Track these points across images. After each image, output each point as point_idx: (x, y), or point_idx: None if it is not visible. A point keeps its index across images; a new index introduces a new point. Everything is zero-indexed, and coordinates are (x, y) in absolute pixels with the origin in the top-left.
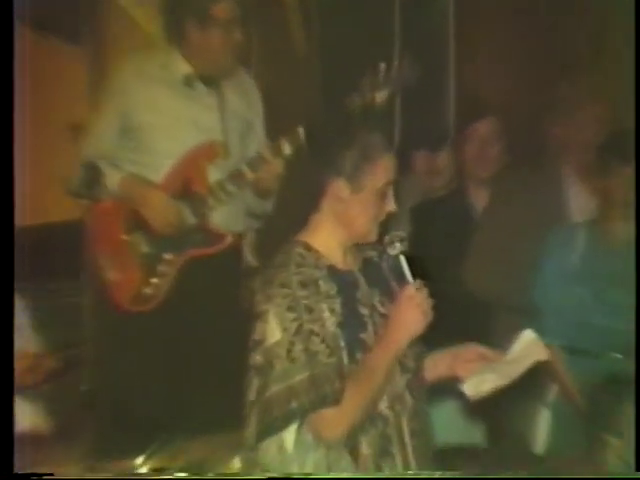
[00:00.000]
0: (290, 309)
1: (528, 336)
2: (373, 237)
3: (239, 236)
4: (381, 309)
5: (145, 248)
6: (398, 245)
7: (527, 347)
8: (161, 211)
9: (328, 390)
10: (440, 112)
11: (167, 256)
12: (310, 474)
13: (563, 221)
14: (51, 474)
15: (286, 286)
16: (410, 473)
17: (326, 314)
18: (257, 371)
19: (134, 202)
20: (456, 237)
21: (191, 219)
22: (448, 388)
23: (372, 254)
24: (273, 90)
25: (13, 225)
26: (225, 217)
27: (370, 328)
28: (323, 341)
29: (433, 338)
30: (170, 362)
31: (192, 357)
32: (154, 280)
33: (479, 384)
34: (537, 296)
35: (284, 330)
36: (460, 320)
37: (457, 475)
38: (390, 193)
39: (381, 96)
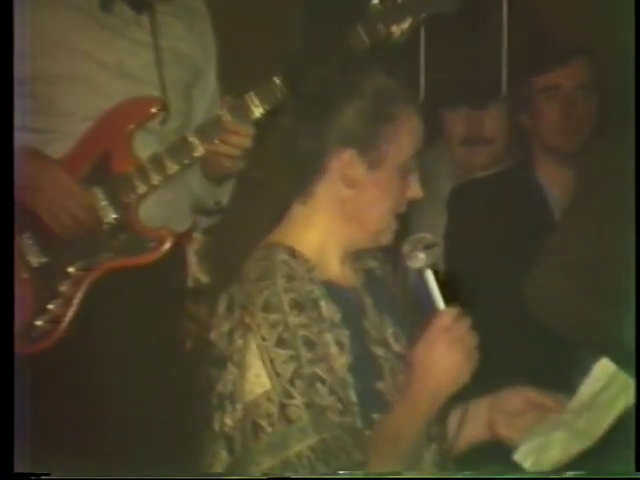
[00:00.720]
0: (282, 343)
1: (605, 368)
2: (388, 238)
3: (182, 239)
4: (397, 347)
5: (38, 258)
6: (422, 256)
7: (606, 385)
8: (64, 201)
9: (345, 463)
10: (487, 52)
11: (72, 269)
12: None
13: None
14: (48, 474)
15: (274, 309)
16: (410, 473)
17: (333, 350)
18: (228, 440)
19: (23, 188)
20: (517, 238)
21: (110, 213)
22: (493, 456)
23: (373, 265)
24: (234, 20)
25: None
26: (161, 210)
27: (388, 375)
28: (332, 391)
29: (475, 391)
30: (78, 431)
31: (111, 424)
32: (51, 306)
33: (541, 451)
34: (630, 331)
35: (275, 375)
36: (517, 362)
37: (457, 475)
38: (414, 171)
39: (400, 28)
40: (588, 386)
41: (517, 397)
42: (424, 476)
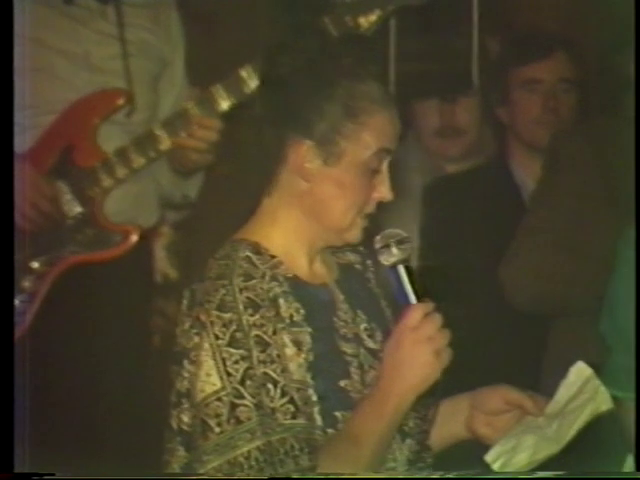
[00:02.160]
0: (234, 343)
1: (581, 372)
2: (355, 237)
3: (149, 233)
4: (370, 343)
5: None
6: (395, 251)
7: (580, 390)
8: (28, 194)
9: (291, 467)
10: (459, 44)
11: (35, 264)
12: (312, 475)
13: None
14: (53, 474)
15: (228, 308)
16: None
17: (289, 351)
18: (183, 438)
19: None
20: (491, 229)
21: (74, 207)
22: (471, 456)
23: (352, 259)
24: (201, 11)
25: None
26: (127, 204)
27: (355, 372)
28: (284, 393)
29: (451, 387)
30: (43, 425)
31: (78, 421)
32: (15, 302)
33: (510, 454)
34: (607, 321)
35: (226, 375)
36: (494, 357)
37: (457, 475)
38: (384, 170)
39: (368, 19)
40: (565, 390)
41: (497, 396)
42: (424, 476)
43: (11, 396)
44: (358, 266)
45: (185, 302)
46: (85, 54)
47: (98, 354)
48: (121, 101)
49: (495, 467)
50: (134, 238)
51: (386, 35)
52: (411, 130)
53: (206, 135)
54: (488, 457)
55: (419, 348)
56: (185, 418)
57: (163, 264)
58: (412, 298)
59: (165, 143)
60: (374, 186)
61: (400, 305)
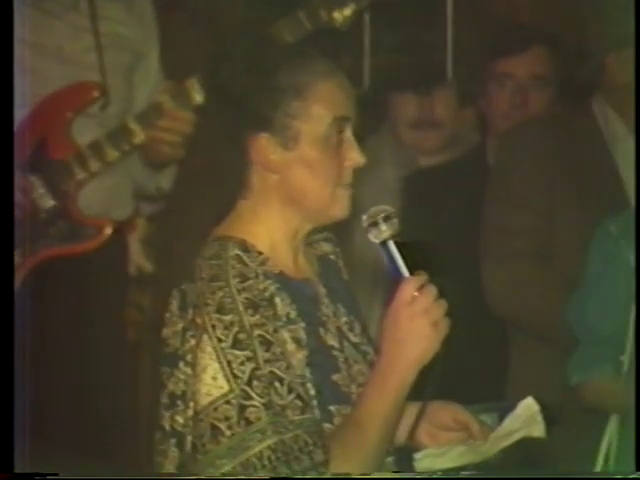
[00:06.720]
0: (238, 345)
1: (528, 408)
2: (342, 211)
3: (123, 226)
4: (351, 337)
5: None
6: (384, 227)
7: (523, 421)
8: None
9: (307, 464)
10: (434, 36)
11: None
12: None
13: (620, 199)
14: (56, 474)
15: (228, 310)
16: (411, 473)
17: (290, 347)
18: (180, 439)
19: None
20: (469, 222)
21: (48, 200)
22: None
23: (327, 250)
24: (176, 4)
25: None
26: (101, 198)
27: (342, 367)
28: (291, 390)
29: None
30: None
31: (51, 418)
32: None
33: (437, 457)
34: (573, 316)
35: (233, 377)
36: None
37: (457, 475)
38: (348, 137)
39: (343, 14)
40: (510, 422)
41: (448, 412)
42: (425, 476)
43: (11, 397)
44: (332, 256)
45: (175, 303)
46: (58, 47)
47: (71, 348)
48: (95, 94)
49: (418, 466)
50: (108, 231)
51: (360, 28)
52: (386, 123)
53: (179, 128)
54: (418, 455)
55: (416, 322)
56: (180, 420)
57: (138, 257)
58: (405, 272)
59: (139, 137)
60: (343, 155)
61: (390, 282)
